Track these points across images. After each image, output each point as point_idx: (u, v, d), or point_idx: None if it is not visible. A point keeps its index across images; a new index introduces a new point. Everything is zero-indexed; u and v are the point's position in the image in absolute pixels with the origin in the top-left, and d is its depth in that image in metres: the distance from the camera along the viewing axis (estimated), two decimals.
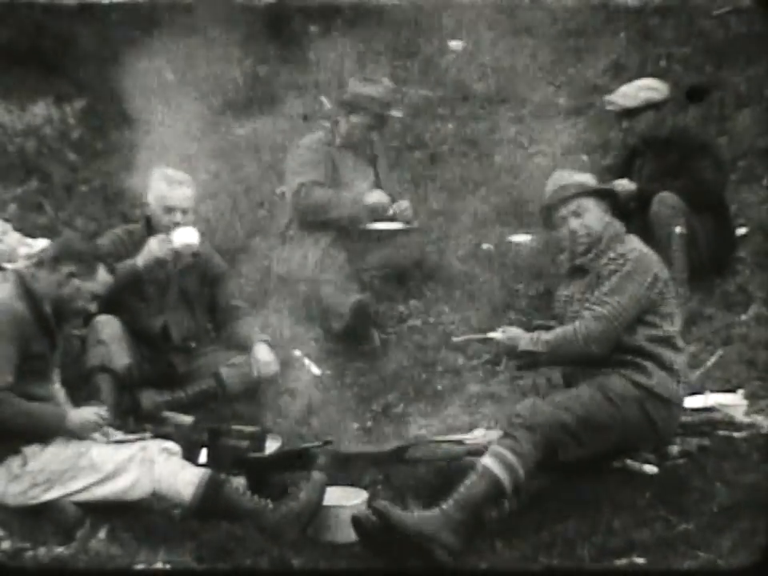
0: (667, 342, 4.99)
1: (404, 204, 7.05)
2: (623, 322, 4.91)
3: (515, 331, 5.08)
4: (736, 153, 7.69)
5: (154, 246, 5.88)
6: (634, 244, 5.10)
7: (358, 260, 6.90)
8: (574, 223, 5.13)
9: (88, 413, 4.86)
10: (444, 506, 4.59)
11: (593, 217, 5.13)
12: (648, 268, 5.00)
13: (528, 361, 5.03)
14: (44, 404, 4.82)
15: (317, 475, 4.84)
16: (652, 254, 5.11)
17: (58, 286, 4.88)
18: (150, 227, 6.06)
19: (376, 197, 6.96)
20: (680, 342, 5.08)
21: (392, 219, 7.00)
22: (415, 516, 4.58)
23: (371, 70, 8.84)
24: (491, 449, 4.69)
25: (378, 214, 6.95)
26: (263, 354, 6.01)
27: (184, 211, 6.01)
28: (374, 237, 6.97)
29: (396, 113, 7.23)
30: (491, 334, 5.13)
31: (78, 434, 4.81)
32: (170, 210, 5.99)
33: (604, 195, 5.21)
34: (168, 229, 5.96)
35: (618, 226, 5.17)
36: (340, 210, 6.86)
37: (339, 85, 8.49)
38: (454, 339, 5.93)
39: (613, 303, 4.90)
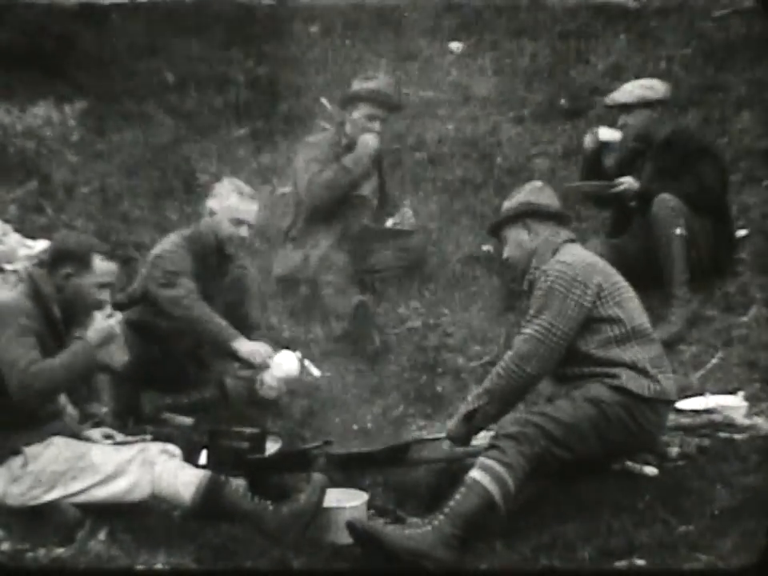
0: (625, 340, 4.89)
1: (408, 212, 7.10)
2: (556, 339, 4.82)
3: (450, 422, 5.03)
4: (736, 154, 7.68)
5: (268, 379, 5.88)
6: (559, 257, 5.01)
7: (360, 262, 6.90)
8: (505, 251, 5.21)
9: (99, 321, 4.82)
10: (435, 522, 4.56)
11: (512, 243, 5.15)
12: (573, 279, 4.88)
13: (481, 423, 4.90)
14: (63, 350, 4.78)
15: (317, 477, 4.83)
16: (583, 265, 4.96)
17: (59, 289, 4.88)
18: (203, 235, 6.01)
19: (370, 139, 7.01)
20: (643, 337, 4.96)
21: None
22: (407, 534, 4.56)
23: (372, 70, 8.85)
24: (479, 461, 4.66)
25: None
26: (269, 378, 5.96)
27: (250, 226, 6.00)
28: (377, 237, 6.98)
29: (395, 103, 7.26)
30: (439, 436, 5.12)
31: (104, 345, 4.81)
32: (238, 222, 5.95)
33: (531, 215, 5.14)
34: (230, 240, 5.95)
35: (553, 240, 5.09)
36: (349, 176, 6.91)
37: (340, 86, 8.49)
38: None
39: (539, 321, 4.83)
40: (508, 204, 5.23)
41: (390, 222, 7.07)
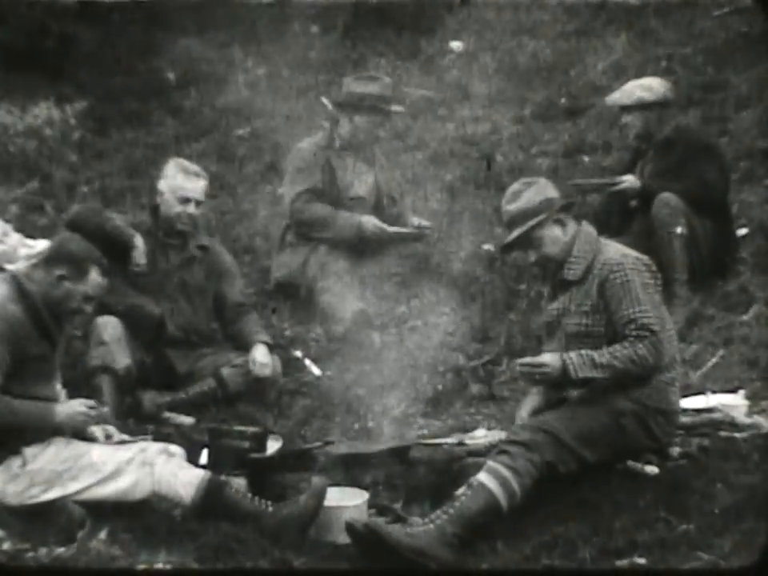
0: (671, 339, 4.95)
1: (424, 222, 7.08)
2: (663, 327, 4.83)
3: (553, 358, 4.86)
4: (737, 153, 7.69)
5: (259, 356, 5.99)
6: (619, 248, 5.01)
7: (358, 266, 6.85)
8: (534, 254, 5.05)
9: (76, 405, 4.81)
10: (437, 521, 4.56)
11: (548, 241, 4.99)
12: (641, 267, 4.94)
13: (584, 385, 4.85)
14: (31, 401, 4.75)
15: (317, 480, 4.82)
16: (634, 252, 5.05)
17: (49, 287, 4.83)
18: (157, 216, 6.15)
19: (372, 224, 6.85)
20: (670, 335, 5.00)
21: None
22: (408, 532, 4.55)
23: (373, 69, 8.85)
24: (486, 465, 4.67)
25: (376, 237, 6.88)
26: (260, 355, 6.00)
27: (198, 203, 6.13)
28: (376, 243, 6.93)
29: (397, 108, 7.18)
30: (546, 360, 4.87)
31: (69, 427, 4.78)
32: (184, 200, 6.09)
33: (560, 210, 5.04)
34: (178, 218, 6.09)
35: (590, 230, 5.06)
36: (336, 230, 6.82)
37: (340, 86, 8.49)
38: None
39: (649, 315, 4.76)
40: (516, 206, 5.00)
41: (393, 228, 6.97)
